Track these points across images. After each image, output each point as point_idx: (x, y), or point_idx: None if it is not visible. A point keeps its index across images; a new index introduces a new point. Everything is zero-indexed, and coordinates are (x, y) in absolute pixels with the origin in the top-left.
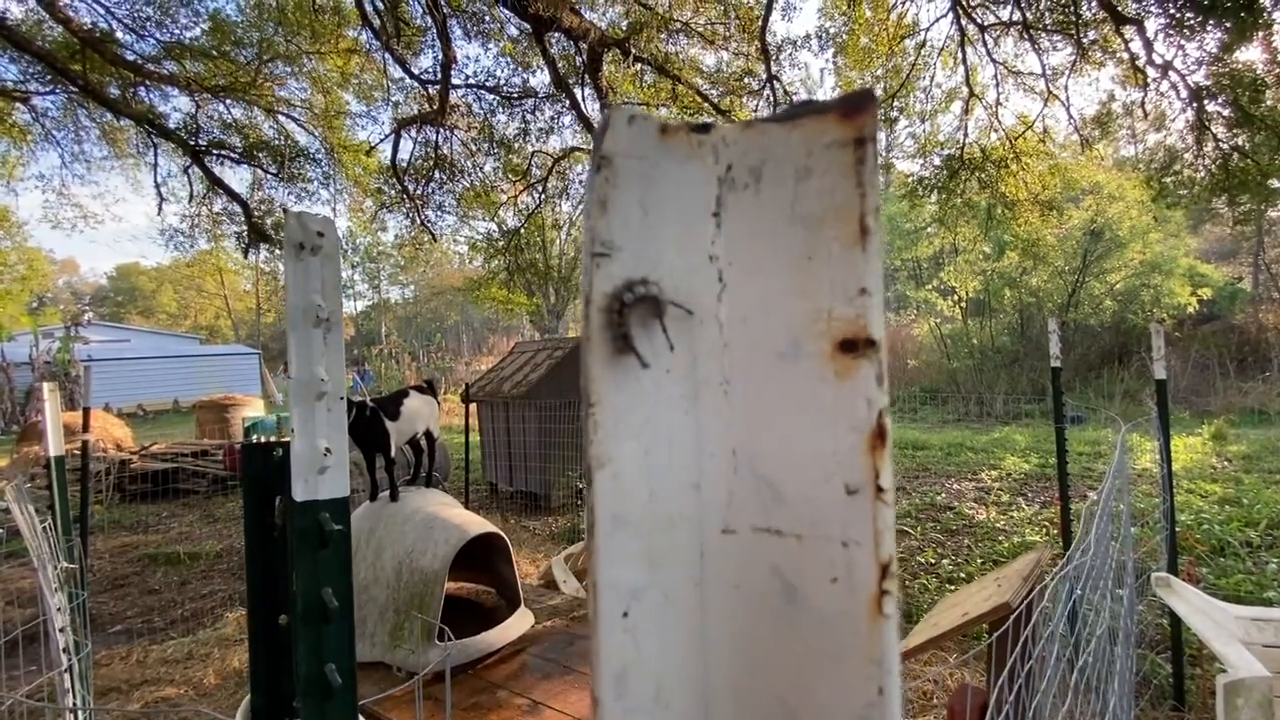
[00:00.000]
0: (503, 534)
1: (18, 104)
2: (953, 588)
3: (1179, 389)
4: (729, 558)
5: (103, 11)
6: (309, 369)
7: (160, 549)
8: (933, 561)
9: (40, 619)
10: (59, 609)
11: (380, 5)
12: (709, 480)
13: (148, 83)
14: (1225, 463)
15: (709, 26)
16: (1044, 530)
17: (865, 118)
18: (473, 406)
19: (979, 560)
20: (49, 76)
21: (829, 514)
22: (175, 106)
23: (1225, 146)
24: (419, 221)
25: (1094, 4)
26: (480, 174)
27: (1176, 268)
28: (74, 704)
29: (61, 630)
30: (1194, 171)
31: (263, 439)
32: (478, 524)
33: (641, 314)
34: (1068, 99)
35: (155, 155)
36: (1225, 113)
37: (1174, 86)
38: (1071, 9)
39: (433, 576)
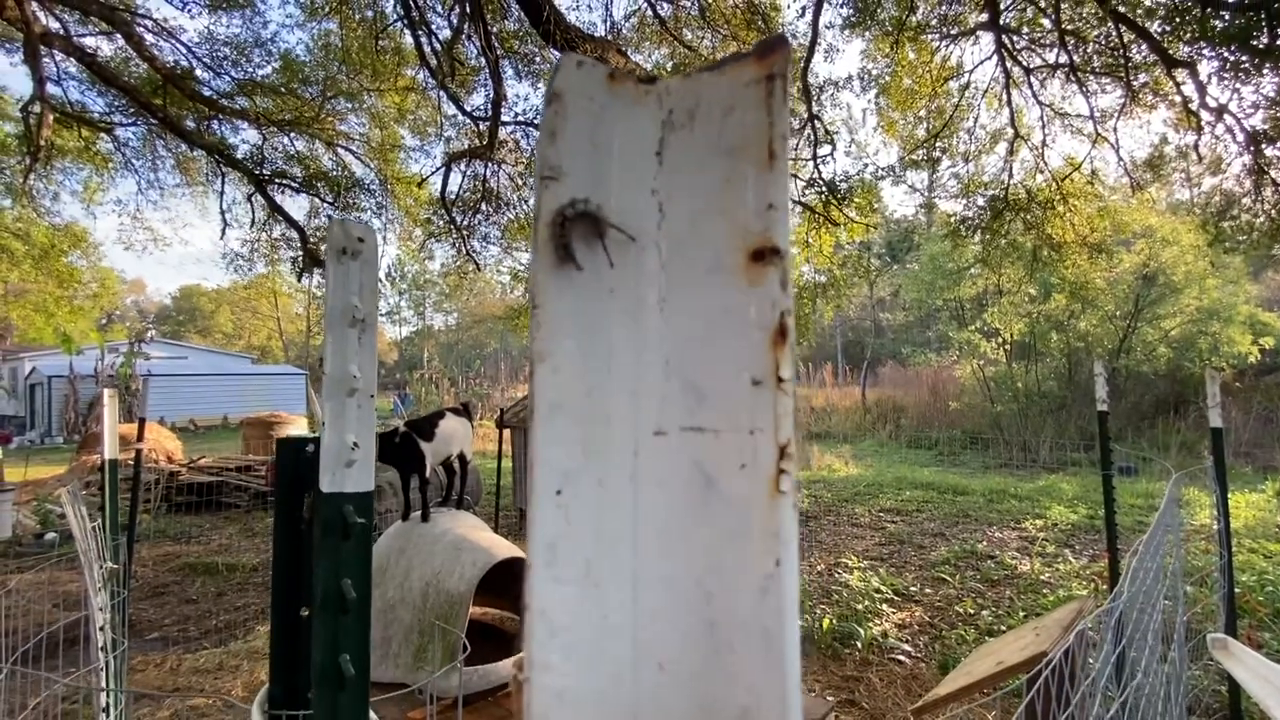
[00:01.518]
0: None
1: (102, 134)
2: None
3: (1240, 442)
4: (659, 456)
5: (184, 51)
6: (343, 366)
7: (200, 559)
8: (972, 612)
9: (82, 615)
10: (100, 608)
11: (438, 46)
12: (644, 387)
13: (221, 116)
14: None
15: None
16: (1091, 585)
17: (776, 57)
18: (506, 432)
19: (1021, 613)
20: (132, 109)
21: (739, 406)
22: (244, 138)
23: None
24: (464, 251)
25: (1144, 47)
26: (525, 207)
27: (1236, 315)
28: (107, 704)
29: (101, 629)
30: (1253, 216)
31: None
32: (505, 548)
33: (583, 231)
34: (1117, 141)
35: (222, 183)
36: None
37: (1229, 130)
38: (1121, 52)
39: (458, 599)
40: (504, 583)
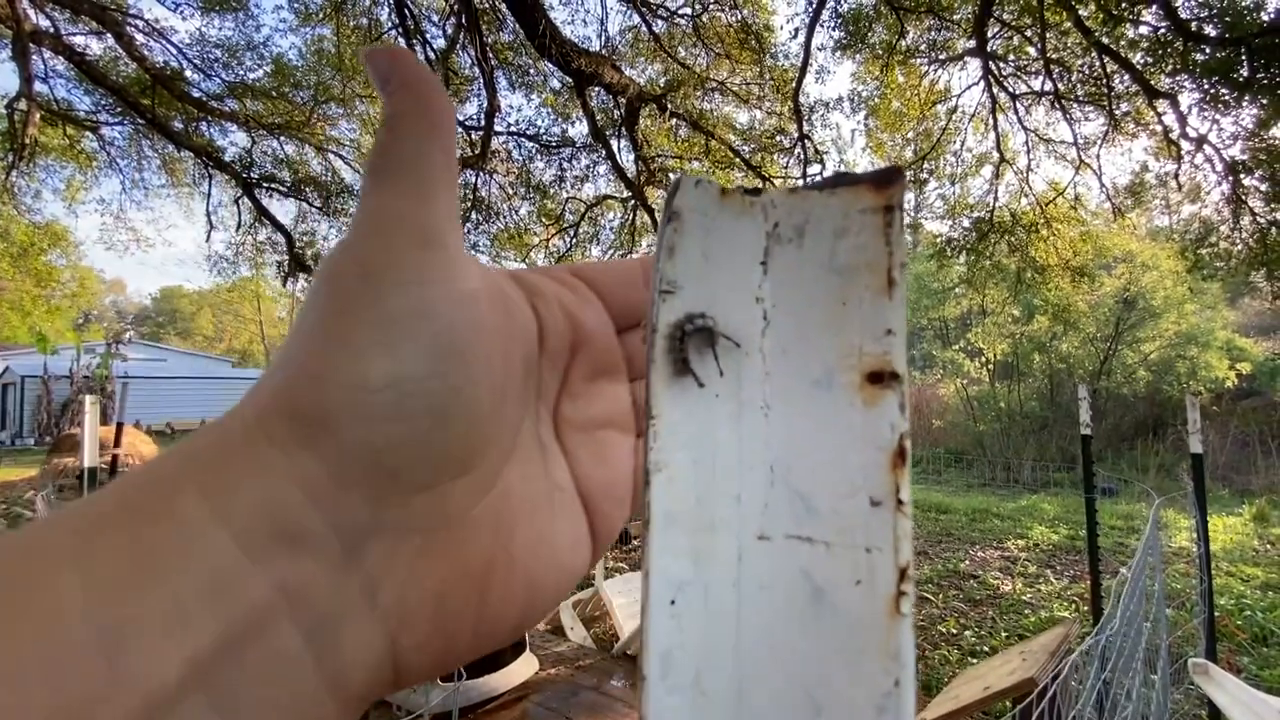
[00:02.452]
0: None
1: (88, 132)
2: (975, 660)
3: (1218, 465)
4: (763, 561)
5: (175, 52)
6: None
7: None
8: (955, 632)
9: None
10: None
11: (433, 56)
12: (748, 491)
13: (210, 118)
14: (1268, 545)
15: (744, 86)
16: (1073, 605)
17: (894, 190)
18: None
19: (1003, 633)
20: (119, 109)
21: (854, 523)
22: (232, 141)
23: (1263, 220)
24: None
25: (1127, 77)
26: (515, 216)
27: (1214, 340)
28: None
29: None
30: (1231, 244)
31: None
32: None
33: (698, 343)
34: (1100, 168)
35: (210, 185)
36: (1263, 187)
37: (1209, 160)
38: (1104, 81)
39: None
40: None
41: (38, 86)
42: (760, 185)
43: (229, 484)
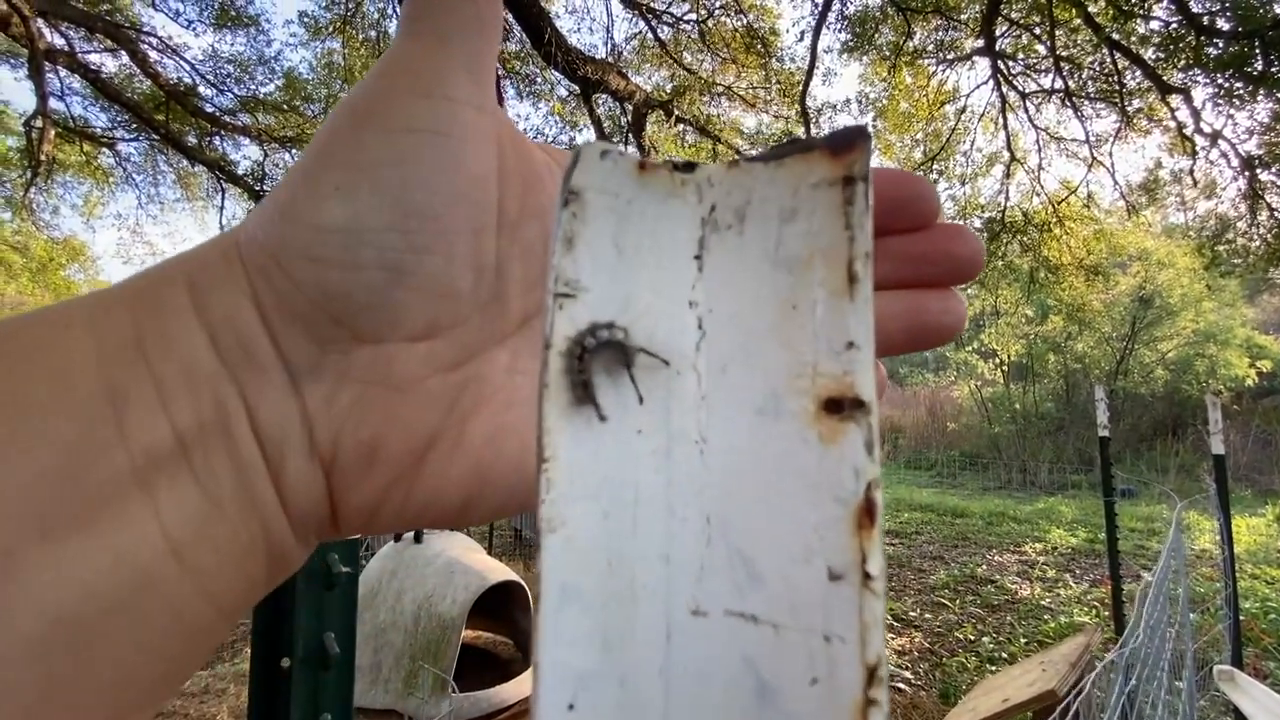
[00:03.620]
0: (524, 583)
1: (104, 148)
2: (994, 668)
3: (1239, 465)
4: (698, 644)
5: (188, 68)
6: None
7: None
8: (972, 638)
9: None
10: None
11: None
12: (679, 550)
13: (223, 132)
14: None
15: (750, 90)
16: (1093, 611)
17: (855, 155)
18: None
19: (1022, 639)
20: (134, 125)
21: (809, 600)
22: (245, 154)
23: None
24: None
25: (1139, 73)
26: None
27: (1233, 338)
28: None
29: None
30: (1248, 240)
31: None
32: (499, 571)
33: (606, 361)
34: (1112, 165)
35: (223, 198)
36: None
37: (1224, 155)
38: (1115, 78)
39: (450, 624)
40: (497, 607)
41: (54, 104)
42: (693, 160)
43: (208, 285)
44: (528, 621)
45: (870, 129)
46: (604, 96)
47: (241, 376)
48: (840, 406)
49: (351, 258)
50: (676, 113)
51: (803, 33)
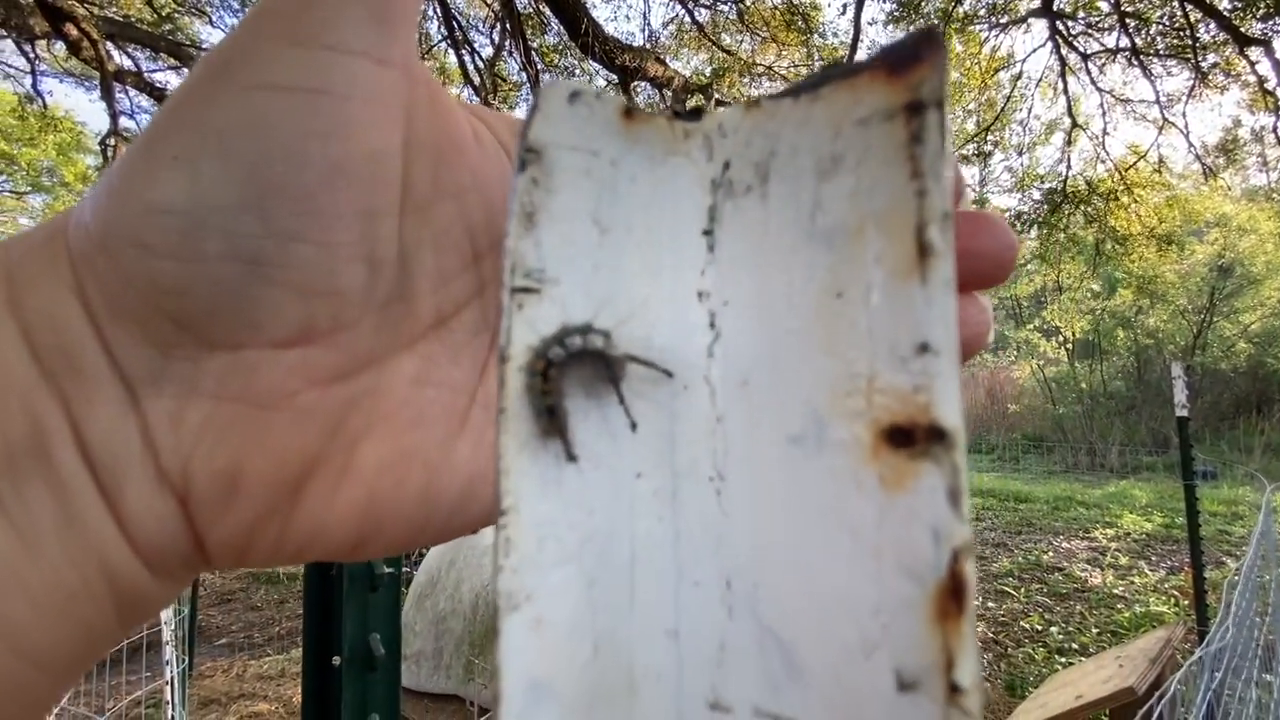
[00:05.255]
0: None
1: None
2: (1063, 660)
3: None
4: None
5: None
6: None
7: (262, 569)
8: (1039, 628)
9: (158, 627)
10: (166, 622)
11: (481, 64)
12: (692, 623)
13: None
14: None
15: (793, 69)
16: (1171, 599)
17: (924, 70)
18: None
19: (1094, 629)
20: None
21: (870, 712)
22: None
23: None
24: None
25: (1213, 25)
26: None
27: None
28: (172, 715)
29: (167, 643)
30: None
31: None
32: None
33: (584, 376)
34: (1186, 126)
35: None
36: None
37: None
38: (1187, 32)
39: None
40: None
41: (125, 122)
42: (699, 105)
43: (27, 278)
44: None
45: (940, 35)
46: (643, 84)
47: (65, 388)
48: (910, 437)
49: (191, 246)
50: (716, 96)
51: (845, 5)
